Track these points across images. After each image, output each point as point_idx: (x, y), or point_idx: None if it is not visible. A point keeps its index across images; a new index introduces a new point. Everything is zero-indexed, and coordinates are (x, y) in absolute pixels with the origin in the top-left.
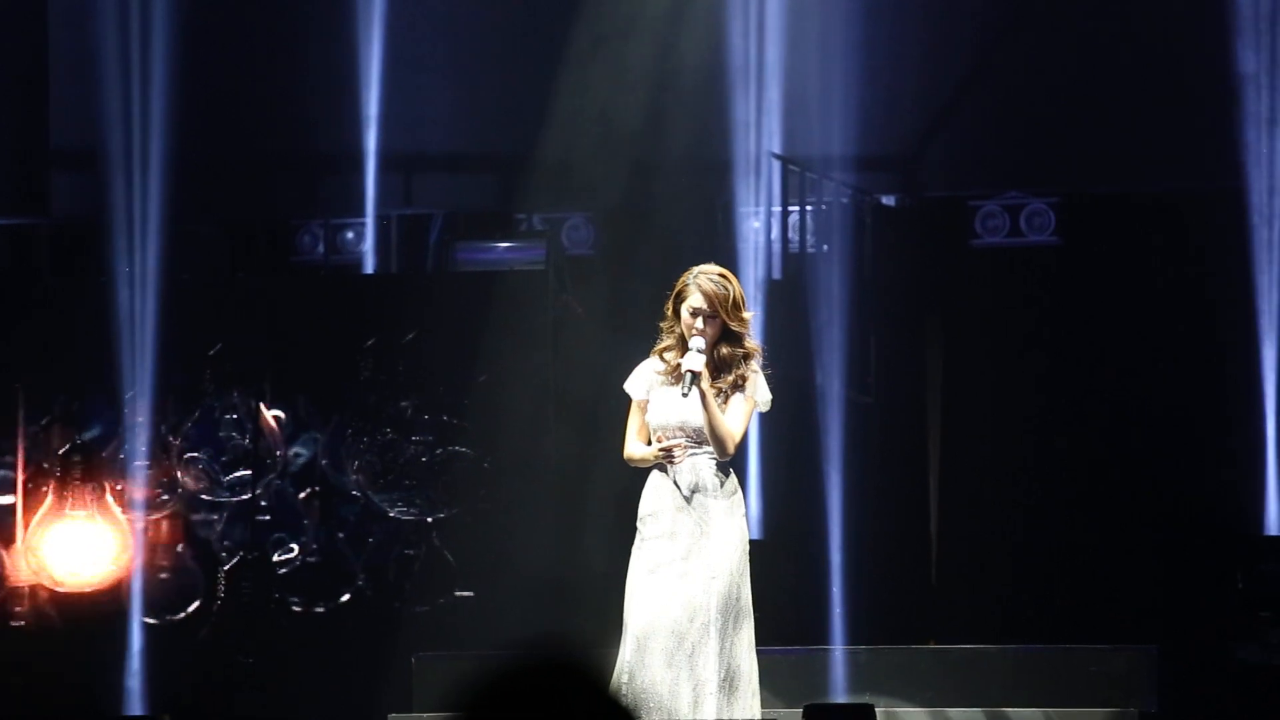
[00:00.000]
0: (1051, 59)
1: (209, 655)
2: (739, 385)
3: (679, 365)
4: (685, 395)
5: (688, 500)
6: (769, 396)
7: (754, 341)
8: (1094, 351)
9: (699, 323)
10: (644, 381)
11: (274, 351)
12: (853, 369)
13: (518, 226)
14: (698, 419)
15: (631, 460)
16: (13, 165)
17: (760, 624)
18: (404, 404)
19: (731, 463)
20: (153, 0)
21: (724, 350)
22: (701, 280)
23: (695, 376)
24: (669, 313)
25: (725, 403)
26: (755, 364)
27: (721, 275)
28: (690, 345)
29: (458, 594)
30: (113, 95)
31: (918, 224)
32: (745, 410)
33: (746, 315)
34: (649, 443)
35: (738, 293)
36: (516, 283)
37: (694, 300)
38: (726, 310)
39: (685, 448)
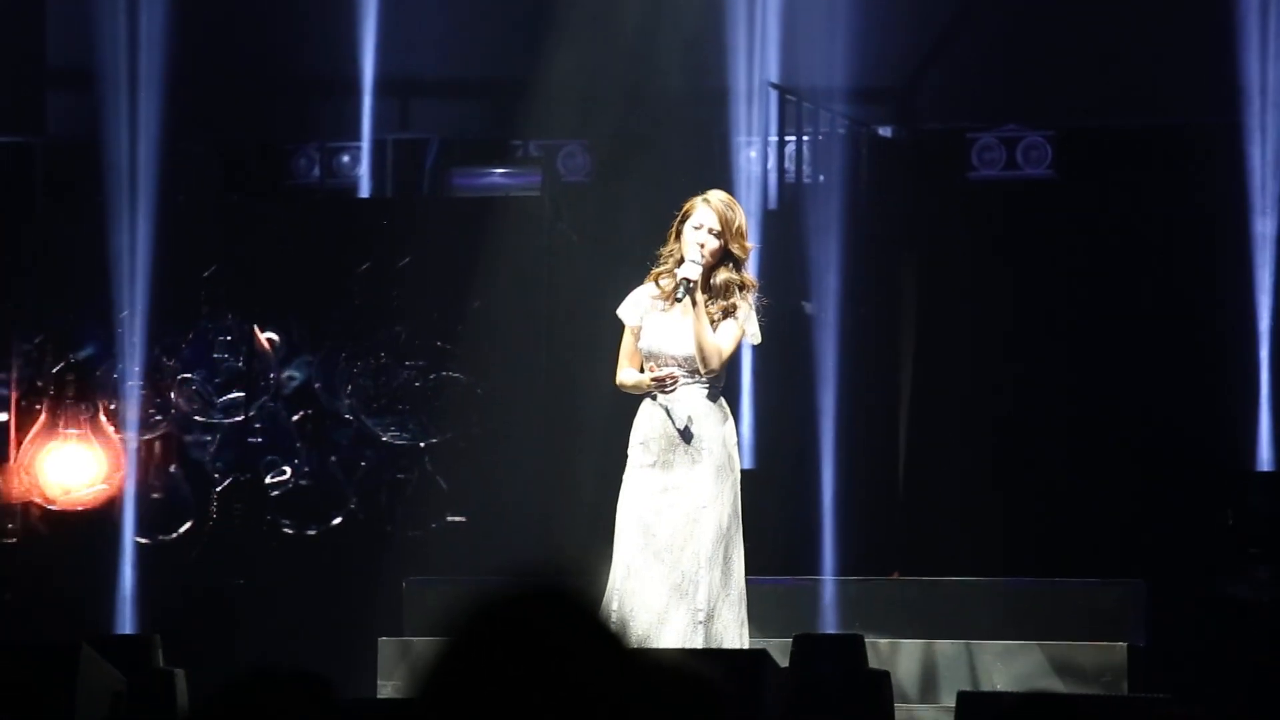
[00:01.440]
0: None
1: (200, 576)
2: (730, 313)
3: (675, 278)
4: (679, 300)
5: (680, 429)
6: (756, 329)
7: (751, 275)
8: (1088, 285)
9: (701, 235)
10: (638, 307)
11: (268, 274)
12: (847, 300)
13: (513, 153)
14: (690, 346)
15: (623, 387)
16: (8, 84)
17: (750, 554)
18: (398, 329)
19: (724, 392)
20: None
21: (722, 276)
22: (711, 198)
23: (690, 283)
24: (672, 237)
25: (714, 327)
26: (750, 298)
27: (731, 199)
28: (687, 256)
29: (449, 519)
30: (109, 15)
31: (914, 156)
32: (734, 335)
33: (748, 244)
34: (641, 369)
35: (743, 220)
36: (511, 209)
37: (701, 215)
38: (731, 231)
39: (677, 377)
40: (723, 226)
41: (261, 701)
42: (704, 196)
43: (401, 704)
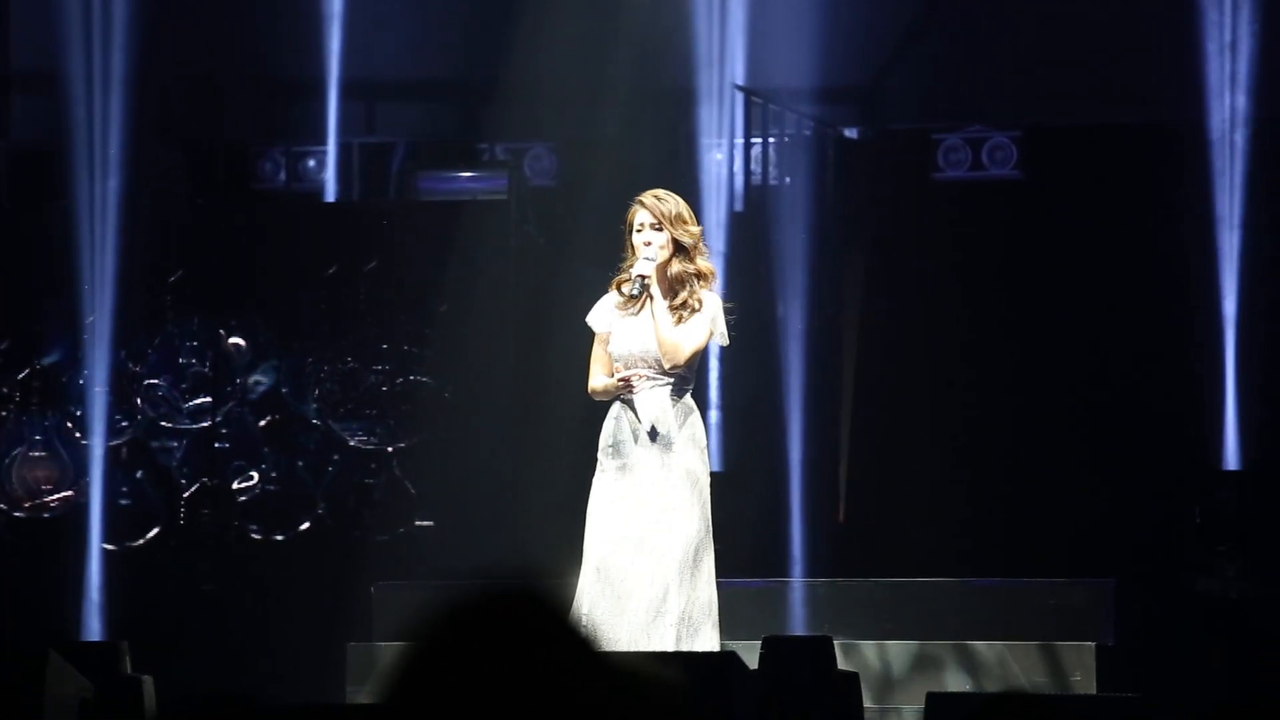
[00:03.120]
0: None
1: (168, 582)
2: (692, 307)
3: (634, 279)
4: (635, 296)
5: (649, 432)
6: (725, 330)
7: (707, 263)
8: (1055, 284)
9: (645, 235)
10: (605, 314)
11: (234, 279)
12: (813, 301)
13: (480, 156)
14: (657, 347)
15: (595, 394)
16: None
17: (720, 556)
18: (365, 333)
19: (692, 394)
20: None
21: (676, 267)
22: (645, 198)
23: (643, 279)
24: (627, 250)
25: (680, 323)
26: (714, 289)
27: (663, 192)
28: (639, 257)
29: (418, 523)
30: (73, 18)
31: (880, 157)
32: (700, 331)
33: (693, 229)
34: (612, 375)
35: (682, 206)
36: (478, 213)
37: (640, 217)
38: (670, 220)
39: (644, 377)
40: (659, 218)
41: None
42: (638, 200)
43: (371, 709)
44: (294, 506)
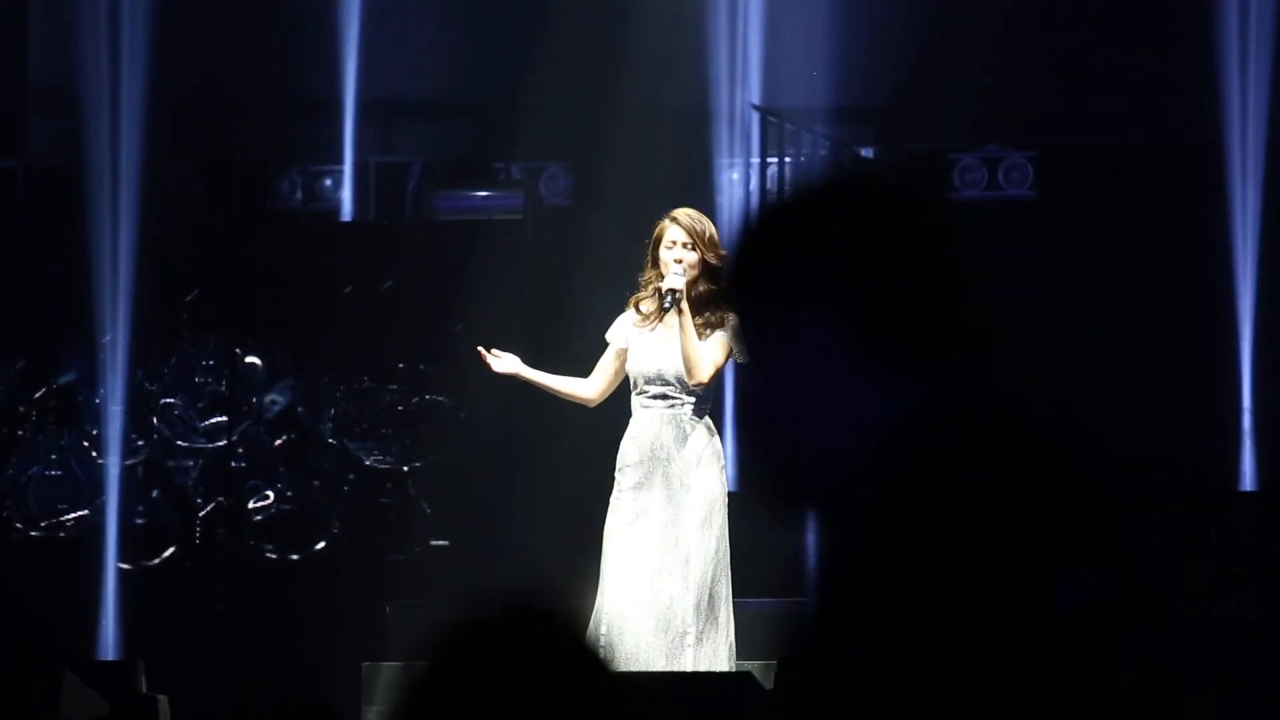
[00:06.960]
0: (1031, 12)
1: (183, 601)
2: (716, 325)
3: (659, 292)
4: (666, 310)
5: (667, 452)
6: (744, 348)
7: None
8: (1071, 304)
9: (676, 252)
10: (622, 330)
11: (251, 298)
12: None
13: (496, 176)
14: (678, 364)
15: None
16: None
17: (736, 576)
18: (380, 352)
19: (710, 414)
20: None
21: (702, 287)
22: (679, 215)
23: (675, 294)
24: (648, 264)
25: (702, 339)
26: (735, 314)
27: (697, 213)
28: (670, 272)
29: (433, 543)
30: (92, 38)
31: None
32: (723, 347)
33: (723, 252)
34: (604, 389)
35: (712, 229)
36: (494, 232)
37: (672, 233)
38: (704, 241)
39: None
40: (693, 238)
41: None
42: (670, 216)
43: None
44: (309, 526)
